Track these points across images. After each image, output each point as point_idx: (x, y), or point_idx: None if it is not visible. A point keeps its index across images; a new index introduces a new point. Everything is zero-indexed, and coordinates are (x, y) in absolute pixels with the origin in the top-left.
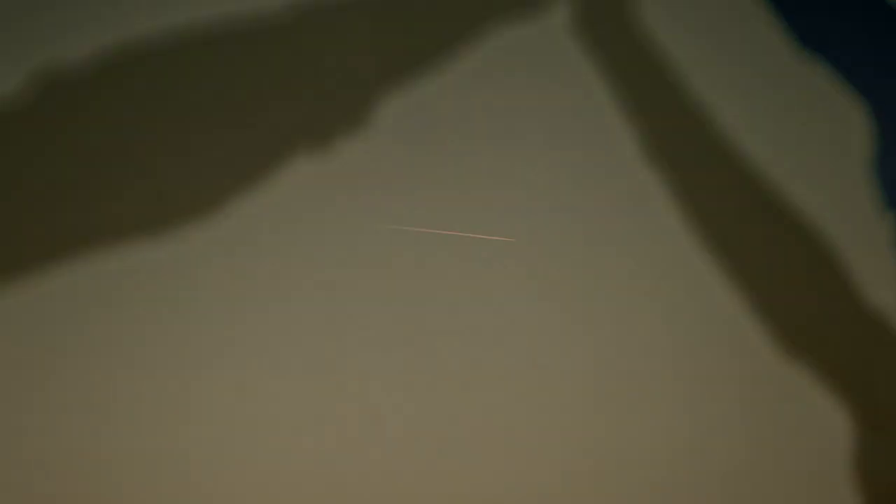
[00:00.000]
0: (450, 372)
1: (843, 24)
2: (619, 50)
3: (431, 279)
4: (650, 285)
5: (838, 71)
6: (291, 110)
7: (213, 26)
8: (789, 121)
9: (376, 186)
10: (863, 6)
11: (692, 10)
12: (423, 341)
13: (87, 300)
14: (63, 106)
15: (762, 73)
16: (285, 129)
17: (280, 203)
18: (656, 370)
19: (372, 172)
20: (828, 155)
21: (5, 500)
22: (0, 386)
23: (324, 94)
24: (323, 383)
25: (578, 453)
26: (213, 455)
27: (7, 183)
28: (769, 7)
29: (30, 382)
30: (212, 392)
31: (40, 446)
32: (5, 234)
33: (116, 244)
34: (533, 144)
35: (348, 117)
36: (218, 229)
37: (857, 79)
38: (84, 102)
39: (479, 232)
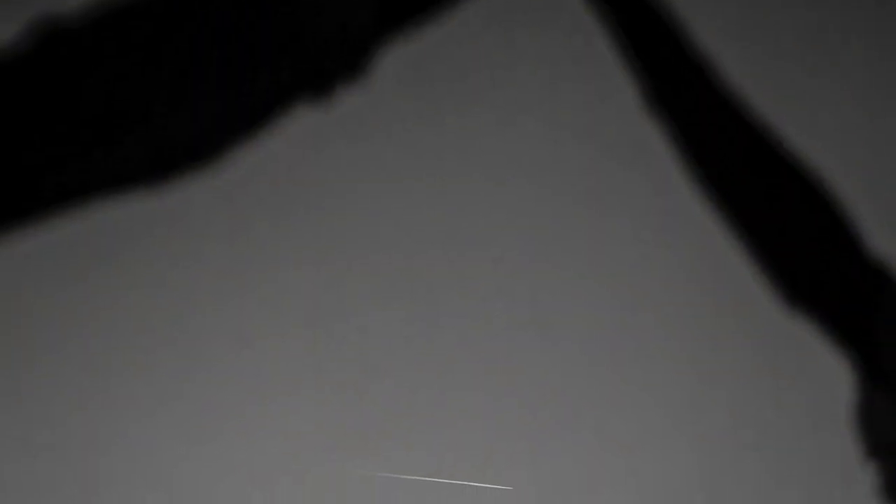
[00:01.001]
0: (450, 323)
1: None
2: None
3: (431, 228)
4: (650, 236)
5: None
6: (292, 59)
7: None
8: (792, 69)
9: (377, 135)
10: None
11: None
12: (423, 292)
13: (86, 251)
14: (62, 55)
15: (764, 21)
16: (286, 78)
17: (280, 153)
18: (656, 321)
19: (372, 122)
20: (831, 106)
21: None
22: None
23: (324, 42)
24: (322, 335)
25: (579, 400)
26: (210, 404)
27: (4, 132)
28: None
29: (28, 331)
30: (210, 343)
31: (41, 396)
32: (2, 182)
33: (114, 195)
34: (533, 93)
35: (348, 66)
36: (218, 179)
37: None
38: (83, 52)
39: (479, 180)
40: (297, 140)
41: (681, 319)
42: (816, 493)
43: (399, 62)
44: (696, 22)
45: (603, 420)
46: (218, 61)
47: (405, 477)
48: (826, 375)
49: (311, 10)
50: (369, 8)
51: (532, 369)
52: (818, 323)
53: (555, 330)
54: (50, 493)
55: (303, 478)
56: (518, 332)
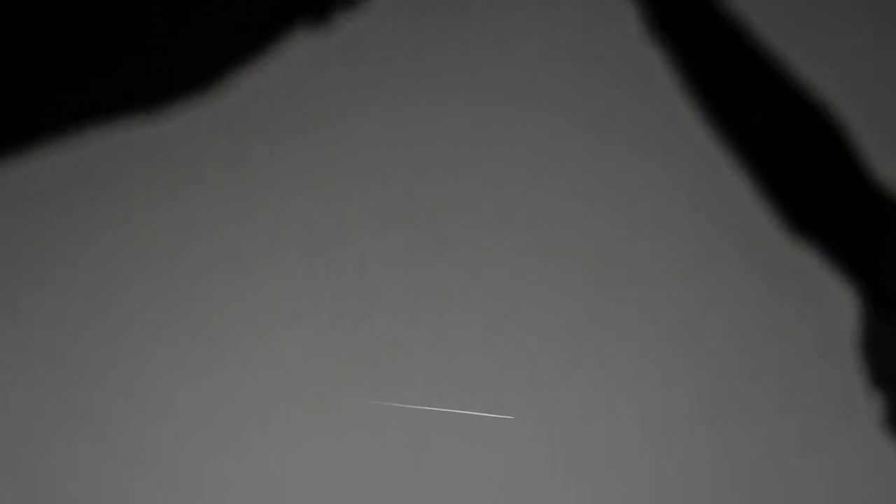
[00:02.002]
0: (449, 251)
1: None
2: None
3: (431, 155)
4: (651, 162)
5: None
6: None
7: None
8: None
9: (376, 61)
10: None
11: None
12: (423, 220)
13: (82, 179)
14: None
15: None
16: (284, 2)
17: (279, 79)
18: (657, 249)
19: (372, 47)
20: (837, 31)
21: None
22: None
23: None
24: (321, 263)
25: (580, 329)
26: (207, 334)
27: None
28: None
29: (24, 261)
30: (207, 271)
31: (38, 327)
32: None
33: (109, 121)
34: (533, 19)
35: None
36: (215, 106)
37: None
38: None
39: (478, 106)
40: (296, 66)
41: (683, 247)
42: (819, 424)
43: None
44: None
45: (603, 349)
46: None
47: (404, 406)
48: (830, 304)
49: None
50: None
51: (532, 298)
52: (822, 251)
53: (555, 258)
54: (48, 425)
55: (301, 408)
56: (518, 261)
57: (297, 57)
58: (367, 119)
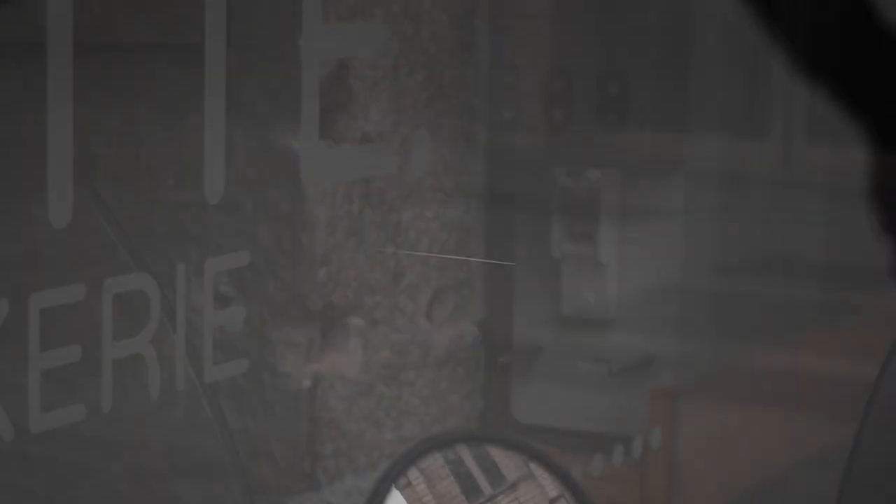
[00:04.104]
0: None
1: None
2: None
3: None
4: (659, 14)
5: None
6: None
7: None
8: None
9: None
10: None
11: None
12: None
13: (77, 26)
14: None
15: None
16: None
17: None
18: (662, 100)
19: None
20: None
21: None
22: None
23: None
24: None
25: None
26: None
27: None
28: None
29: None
30: (208, 111)
31: None
32: None
33: None
34: None
35: None
36: None
37: None
38: None
39: None
40: None
41: (695, 90)
42: (828, 269)
43: None
44: None
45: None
46: None
47: (403, 252)
48: (841, 150)
49: None
50: None
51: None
52: (835, 95)
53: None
54: None
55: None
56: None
57: None
58: None
